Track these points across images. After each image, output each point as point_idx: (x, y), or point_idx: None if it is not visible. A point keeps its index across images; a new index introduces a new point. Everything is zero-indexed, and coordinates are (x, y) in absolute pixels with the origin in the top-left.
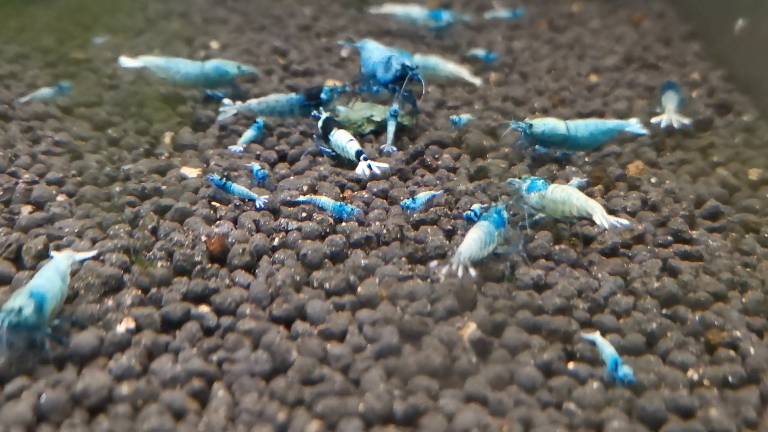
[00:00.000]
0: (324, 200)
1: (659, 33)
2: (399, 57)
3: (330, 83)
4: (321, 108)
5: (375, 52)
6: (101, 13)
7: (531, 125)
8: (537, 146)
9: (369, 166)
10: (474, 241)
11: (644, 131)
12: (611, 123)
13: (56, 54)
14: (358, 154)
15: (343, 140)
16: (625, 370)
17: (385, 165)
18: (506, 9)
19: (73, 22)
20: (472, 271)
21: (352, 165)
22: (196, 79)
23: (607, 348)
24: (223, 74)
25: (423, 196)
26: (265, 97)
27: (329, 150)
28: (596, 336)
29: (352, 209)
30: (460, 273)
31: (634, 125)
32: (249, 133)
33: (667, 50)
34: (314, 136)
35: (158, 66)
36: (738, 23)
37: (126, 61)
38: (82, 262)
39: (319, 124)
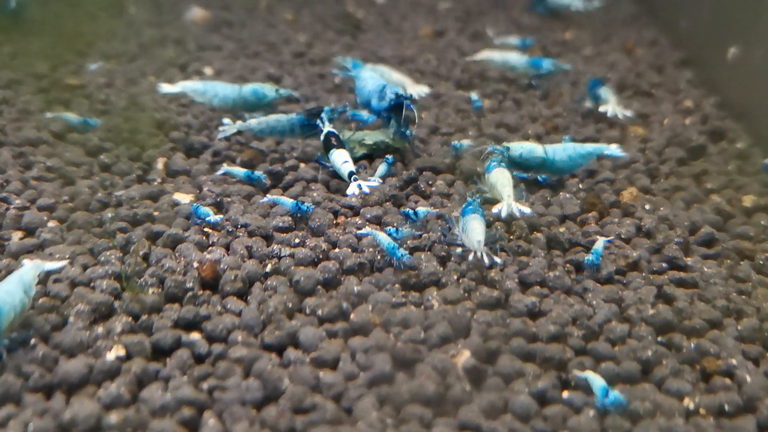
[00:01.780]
0: (381, 237)
1: (652, 60)
2: (392, 86)
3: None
4: (324, 121)
5: (369, 80)
6: (95, 40)
7: (508, 148)
8: (515, 172)
9: (359, 186)
10: (482, 231)
11: (624, 154)
12: (590, 146)
13: (50, 80)
14: (350, 174)
15: (339, 161)
16: (614, 394)
17: (375, 183)
18: (517, 38)
19: (67, 48)
20: (497, 258)
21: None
22: (234, 103)
23: (597, 381)
24: (262, 98)
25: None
26: (265, 116)
27: (329, 165)
28: (587, 374)
29: (403, 254)
30: (486, 260)
31: (613, 149)
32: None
33: (660, 77)
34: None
35: (196, 90)
36: (731, 50)
37: (165, 88)
38: (49, 273)
39: (321, 137)
